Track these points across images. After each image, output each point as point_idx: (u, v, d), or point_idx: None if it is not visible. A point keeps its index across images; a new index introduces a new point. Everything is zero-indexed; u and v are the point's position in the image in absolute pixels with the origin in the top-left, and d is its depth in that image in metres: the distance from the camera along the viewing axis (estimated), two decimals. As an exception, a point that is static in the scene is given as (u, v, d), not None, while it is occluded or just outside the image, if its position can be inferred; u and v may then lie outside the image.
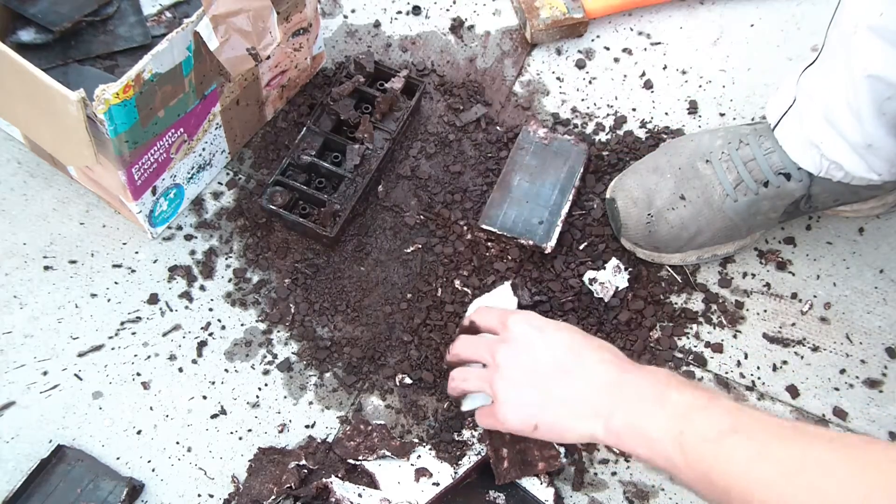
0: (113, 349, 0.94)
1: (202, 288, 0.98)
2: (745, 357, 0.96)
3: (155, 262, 0.99)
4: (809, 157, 0.91)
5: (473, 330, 0.84)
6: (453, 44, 1.14)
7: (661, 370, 0.71)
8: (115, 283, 0.98)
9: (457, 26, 1.15)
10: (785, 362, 0.96)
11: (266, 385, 0.94)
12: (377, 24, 1.15)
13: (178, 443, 0.90)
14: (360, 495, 0.87)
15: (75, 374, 0.93)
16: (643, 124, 1.09)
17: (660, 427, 0.65)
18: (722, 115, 1.09)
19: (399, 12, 1.16)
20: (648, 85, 1.11)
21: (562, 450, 0.89)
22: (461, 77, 1.12)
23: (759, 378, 0.95)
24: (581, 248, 1.00)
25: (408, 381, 0.94)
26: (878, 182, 0.92)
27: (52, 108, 0.82)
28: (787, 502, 0.57)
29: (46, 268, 0.98)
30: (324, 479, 0.88)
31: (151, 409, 0.92)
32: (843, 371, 0.95)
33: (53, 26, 0.96)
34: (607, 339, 0.95)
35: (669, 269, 1.00)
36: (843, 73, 0.84)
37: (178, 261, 0.99)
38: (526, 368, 0.75)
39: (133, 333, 0.95)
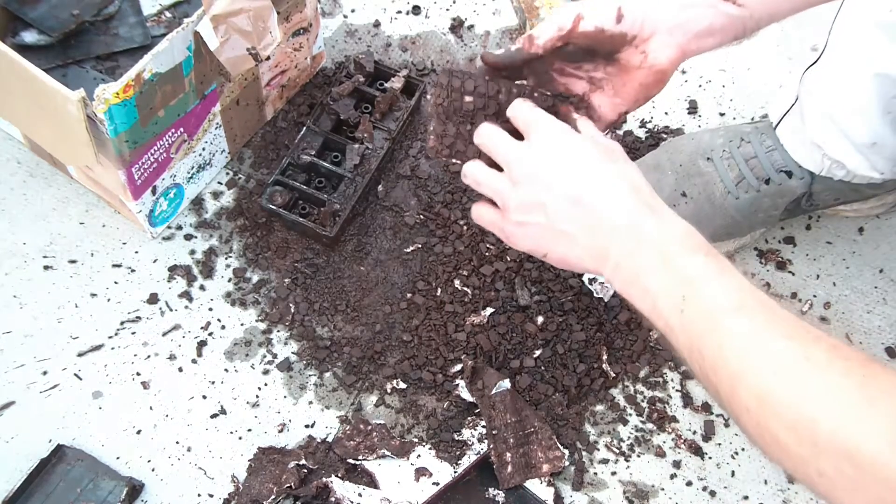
0: (113, 349, 0.94)
1: (202, 288, 0.98)
2: (746, 356, 0.96)
3: (155, 261, 0.99)
4: (810, 156, 0.91)
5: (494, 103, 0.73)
6: (453, 44, 1.14)
7: (679, 225, 0.64)
8: (115, 282, 0.98)
9: (457, 26, 1.15)
10: (785, 362, 0.96)
11: (266, 385, 0.94)
12: (377, 24, 1.15)
13: (177, 443, 0.90)
14: (360, 495, 0.87)
15: (75, 374, 0.93)
16: (643, 124, 1.09)
17: (662, 288, 0.61)
18: (722, 114, 1.09)
19: (399, 12, 1.16)
20: (648, 85, 1.11)
21: (566, 451, 0.89)
22: (461, 77, 1.12)
23: (759, 377, 0.95)
24: (581, 247, 1.00)
25: (407, 380, 0.94)
26: (880, 181, 0.92)
27: (52, 107, 0.82)
28: (775, 400, 0.54)
29: (46, 268, 0.98)
30: (324, 479, 0.88)
31: (151, 408, 0.92)
32: (843, 370, 0.95)
33: (52, 31, 0.96)
34: (606, 339, 0.95)
35: (669, 269, 1.00)
36: (848, 70, 0.83)
37: (177, 260, 0.99)
38: (539, 194, 0.67)
39: (133, 333, 0.95)
